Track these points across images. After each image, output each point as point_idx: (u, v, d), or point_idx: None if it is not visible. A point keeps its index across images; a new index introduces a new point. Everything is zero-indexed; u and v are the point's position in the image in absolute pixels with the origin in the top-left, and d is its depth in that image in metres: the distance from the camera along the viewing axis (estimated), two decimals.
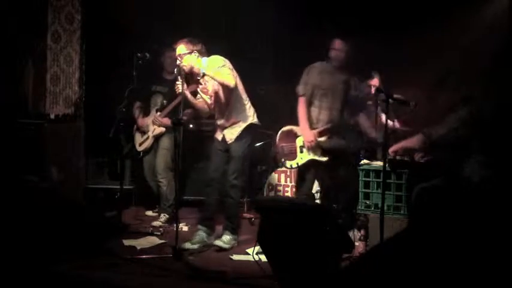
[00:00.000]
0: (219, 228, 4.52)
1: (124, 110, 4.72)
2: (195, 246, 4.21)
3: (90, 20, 5.47)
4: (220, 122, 4.41)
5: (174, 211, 5.26)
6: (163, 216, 5.21)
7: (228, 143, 4.36)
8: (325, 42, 4.56)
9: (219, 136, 4.44)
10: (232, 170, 4.32)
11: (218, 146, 4.42)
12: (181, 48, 4.22)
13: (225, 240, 4.26)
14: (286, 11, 5.71)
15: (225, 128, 4.38)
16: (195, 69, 4.22)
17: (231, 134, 4.37)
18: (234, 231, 4.38)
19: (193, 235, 4.34)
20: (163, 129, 5.25)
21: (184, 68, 4.18)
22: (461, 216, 2.88)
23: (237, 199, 4.43)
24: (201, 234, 4.32)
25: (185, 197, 5.75)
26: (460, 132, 3.63)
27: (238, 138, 4.34)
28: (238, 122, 4.36)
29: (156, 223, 5.09)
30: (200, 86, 4.36)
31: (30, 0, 5.34)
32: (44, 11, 5.37)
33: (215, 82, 4.25)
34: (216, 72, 4.15)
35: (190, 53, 4.20)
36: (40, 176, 4.88)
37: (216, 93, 4.36)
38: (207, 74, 4.15)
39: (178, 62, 4.21)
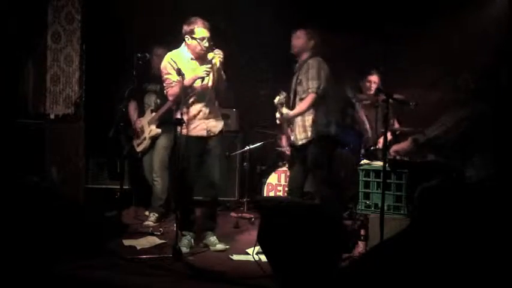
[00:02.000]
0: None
1: (124, 110, 4.72)
2: (188, 250, 4.16)
3: (90, 20, 5.47)
4: (206, 109, 4.20)
5: (164, 210, 5.27)
6: (153, 216, 5.19)
7: (211, 135, 4.24)
8: (326, 41, 4.56)
9: (202, 132, 4.20)
10: (216, 168, 4.25)
11: (200, 144, 4.22)
12: (205, 32, 4.08)
13: (216, 240, 4.25)
14: (287, 11, 5.71)
15: (208, 118, 4.23)
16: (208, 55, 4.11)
17: (215, 127, 4.25)
18: (215, 229, 4.38)
19: (181, 239, 4.19)
20: (159, 130, 5.23)
21: (212, 56, 4.04)
22: (462, 216, 2.88)
23: (218, 197, 4.43)
24: (189, 238, 4.26)
25: None
26: (452, 133, 3.64)
27: (220, 133, 4.28)
28: (219, 118, 4.34)
29: (147, 223, 5.08)
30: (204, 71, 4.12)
31: (30, 0, 5.33)
32: (44, 11, 5.36)
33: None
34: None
35: (210, 40, 4.10)
36: (40, 176, 4.87)
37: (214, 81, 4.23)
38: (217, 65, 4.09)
39: (202, 45, 4.06)
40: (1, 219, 3.73)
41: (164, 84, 4.23)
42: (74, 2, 5.39)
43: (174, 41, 4.34)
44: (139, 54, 4.66)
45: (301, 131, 4.29)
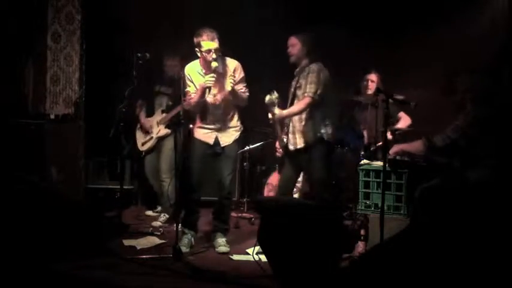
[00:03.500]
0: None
1: (124, 110, 4.72)
2: (188, 249, 4.18)
3: (90, 20, 5.47)
4: (215, 125, 4.30)
5: (174, 211, 5.27)
6: (163, 216, 5.21)
7: (223, 145, 4.31)
8: (326, 42, 4.55)
9: (209, 139, 4.30)
10: (229, 170, 4.31)
11: (207, 149, 4.29)
12: (210, 44, 4.07)
13: (223, 242, 4.25)
14: (286, 11, 5.71)
15: (220, 131, 4.31)
16: (218, 67, 4.11)
17: (226, 137, 4.32)
18: (227, 232, 4.40)
19: (181, 239, 4.23)
20: (168, 130, 5.25)
21: (215, 65, 4.06)
22: (462, 216, 2.88)
23: (231, 199, 4.47)
24: (190, 237, 4.28)
25: None
26: (461, 142, 3.63)
27: (234, 141, 4.36)
28: (236, 127, 4.38)
29: (155, 223, 5.09)
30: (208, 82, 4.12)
31: (30, 0, 5.34)
32: (44, 11, 5.37)
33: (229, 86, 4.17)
34: (240, 84, 4.23)
35: (219, 49, 4.11)
36: (40, 176, 4.87)
37: (225, 97, 4.26)
38: (234, 80, 4.14)
39: (210, 57, 4.06)
40: (1, 219, 3.73)
41: (186, 97, 4.28)
42: (74, 2, 5.39)
43: (174, 42, 4.35)
44: (139, 54, 4.67)
45: (300, 136, 4.25)
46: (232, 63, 4.25)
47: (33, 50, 5.42)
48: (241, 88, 4.26)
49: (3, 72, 5.21)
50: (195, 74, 4.25)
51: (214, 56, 4.07)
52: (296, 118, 4.27)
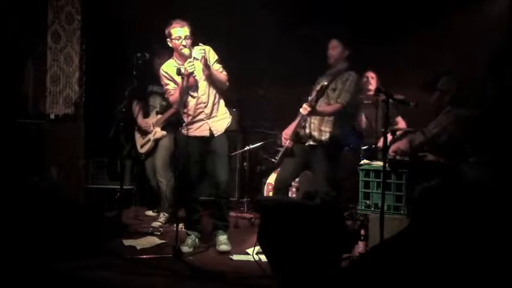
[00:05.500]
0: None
1: (124, 110, 4.72)
2: (191, 250, 4.19)
3: (90, 20, 5.47)
4: (206, 111, 4.20)
5: (173, 211, 5.27)
6: (163, 216, 5.20)
7: (216, 135, 4.24)
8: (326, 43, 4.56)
9: (204, 132, 4.23)
10: (221, 167, 4.25)
11: (198, 147, 4.24)
12: (180, 31, 4.08)
13: (225, 240, 4.25)
14: (286, 11, 5.71)
15: (211, 118, 4.23)
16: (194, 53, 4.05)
17: (219, 125, 4.25)
18: (227, 229, 4.38)
19: (186, 239, 4.26)
20: (164, 133, 5.25)
21: (187, 51, 4.03)
22: (462, 216, 2.88)
23: (228, 197, 4.45)
24: (193, 238, 4.28)
25: None
26: (442, 138, 3.66)
27: (224, 133, 4.29)
28: (225, 114, 4.33)
29: (155, 223, 5.09)
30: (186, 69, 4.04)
31: (30, 0, 5.34)
32: (44, 11, 5.37)
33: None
34: (216, 64, 4.18)
35: (192, 35, 4.10)
36: (40, 176, 4.87)
37: (209, 80, 4.20)
38: (208, 63, 4.08)
39: (181, 44, 4.06)
40: (1, 219, 3.73)
41: (166, 95, 4.35)
42: (74, 2, 5.40)
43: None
44: (139, 54, 4.67)
45: (318, 134, 4.33)
46: (204, 48, 4.18)
47: (33, 50, 5.42)
48: (218, 68, 4.21)
49: (3, 72, 5.21)
50: (172, 70, 4.16)
51: (184, 43, 4.07)
52: (318, 116, 4.33)
